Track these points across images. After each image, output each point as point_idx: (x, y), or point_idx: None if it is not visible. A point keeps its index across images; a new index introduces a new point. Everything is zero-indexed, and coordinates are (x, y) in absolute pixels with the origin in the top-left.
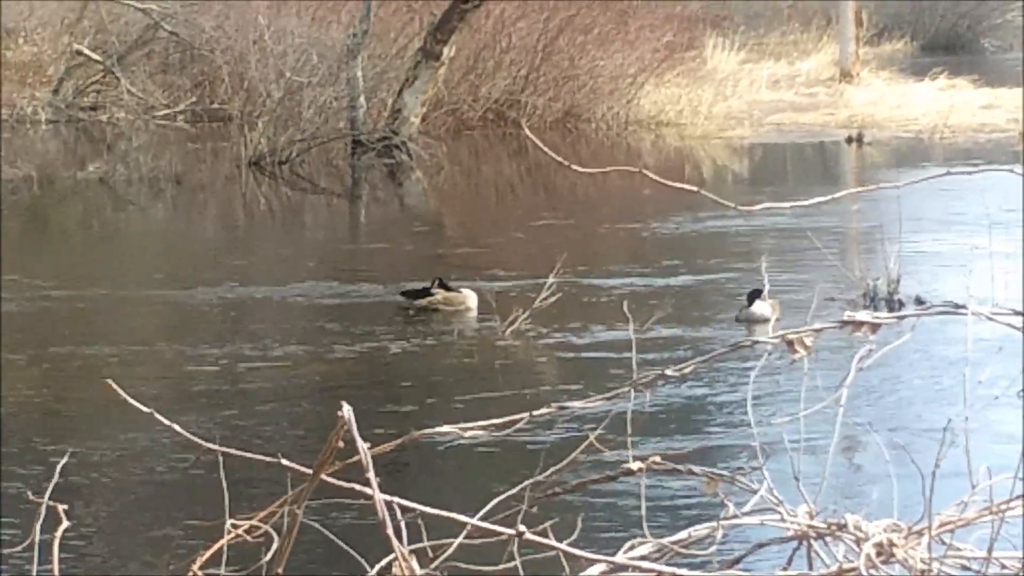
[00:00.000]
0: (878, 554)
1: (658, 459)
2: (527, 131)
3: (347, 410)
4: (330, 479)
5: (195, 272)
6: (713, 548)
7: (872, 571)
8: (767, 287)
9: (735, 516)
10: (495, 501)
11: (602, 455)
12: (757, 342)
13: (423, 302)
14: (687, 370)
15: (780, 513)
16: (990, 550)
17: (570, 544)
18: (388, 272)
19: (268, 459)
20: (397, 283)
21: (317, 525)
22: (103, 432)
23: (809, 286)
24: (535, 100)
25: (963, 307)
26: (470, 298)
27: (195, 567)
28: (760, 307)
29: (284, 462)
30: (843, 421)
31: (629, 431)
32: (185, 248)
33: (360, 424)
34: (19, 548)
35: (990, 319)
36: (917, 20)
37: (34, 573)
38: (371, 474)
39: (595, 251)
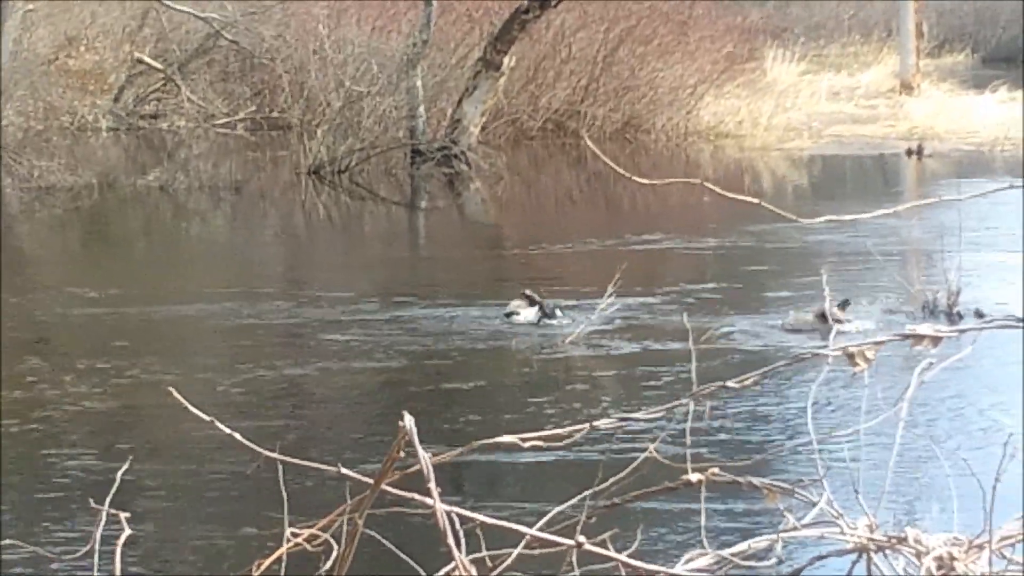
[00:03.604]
0: (938, 568)
1: (717, 471)
2: (587, 141)
3: (409, 421)
4: (390, 488)
5: (255, 281)
6: (772, 560)
7: None
8: (828, 299)
9: (795, 528)
10: (554, 511)
11: (661, 466)
12: (817, 355)
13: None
14: (748, 382)
15: (840, 526)
16: None
17: (629, 555)
18: (446, 282)
19: (328, 468)
20: (455, 293)
21: (374, 533)
22: (160, 440)
23: (869, 298)
24: (595, 110)
25: None
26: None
27: (255, 575)
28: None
29: (344, 471)
30: (903, 434)
31: (688, 442)
32: (245, 257)
33: (419, 434)
34: (79, 554)
35: None
36: (978, 32)
37: None
38: (432, 484)
39: (655, 262)
